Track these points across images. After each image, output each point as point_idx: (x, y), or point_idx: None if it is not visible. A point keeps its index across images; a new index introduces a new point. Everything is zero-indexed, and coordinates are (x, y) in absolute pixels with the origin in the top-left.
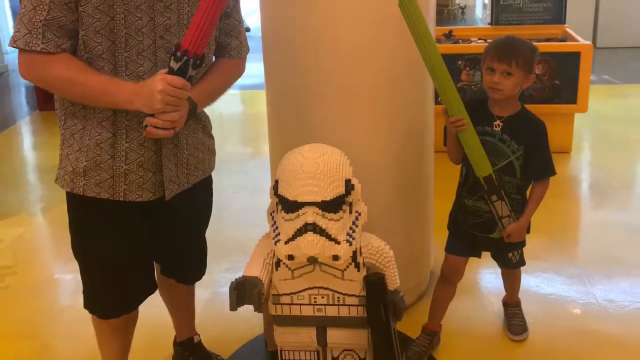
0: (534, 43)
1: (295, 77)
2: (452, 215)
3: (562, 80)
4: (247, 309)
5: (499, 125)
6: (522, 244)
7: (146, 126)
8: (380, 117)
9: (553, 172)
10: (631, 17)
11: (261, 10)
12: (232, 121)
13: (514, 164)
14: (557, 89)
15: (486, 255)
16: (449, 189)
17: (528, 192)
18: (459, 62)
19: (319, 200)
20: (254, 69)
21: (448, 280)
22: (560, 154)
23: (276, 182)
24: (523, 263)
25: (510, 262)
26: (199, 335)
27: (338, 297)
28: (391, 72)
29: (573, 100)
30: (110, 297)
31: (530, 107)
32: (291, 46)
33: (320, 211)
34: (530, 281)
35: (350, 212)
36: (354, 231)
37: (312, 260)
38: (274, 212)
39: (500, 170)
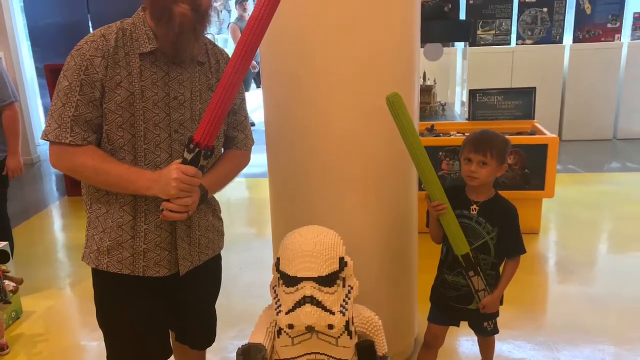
0: (506, 136)
1: (294, 166)
2: (434, 289)
3: (532, 169)
4: None
5: (475, 209)
6: (496, 314)
7: (163, 210)
8: (370, 201)
9: (523, 251)
10: (593, 114)
11: (264, 107)
12: (238, 205)
13: (489, 244)
14: (527, 176)
15: (464, 324)
16: (430, 265)
17: (501, 268)
18: (440, 153)
19: (316, 276)
20: (258, 159)
21: (430, 347)
22: (529, 235)
23: (278, 259)
24: (497, 331)
25: (486, 330)
26: None
27: None
28: (379, 162)
29: (541, 187)
30: None
31: (503, 193)
32: (291, 139)
33: (317, 285)
34: (503, 347)
35: (344, 286)
36: (347, 303)
37: (310, 329)
38: (276, 286)
39: (477, 248)
